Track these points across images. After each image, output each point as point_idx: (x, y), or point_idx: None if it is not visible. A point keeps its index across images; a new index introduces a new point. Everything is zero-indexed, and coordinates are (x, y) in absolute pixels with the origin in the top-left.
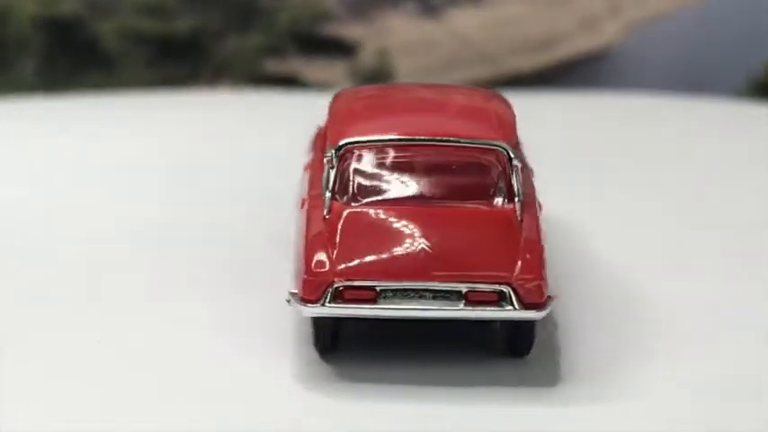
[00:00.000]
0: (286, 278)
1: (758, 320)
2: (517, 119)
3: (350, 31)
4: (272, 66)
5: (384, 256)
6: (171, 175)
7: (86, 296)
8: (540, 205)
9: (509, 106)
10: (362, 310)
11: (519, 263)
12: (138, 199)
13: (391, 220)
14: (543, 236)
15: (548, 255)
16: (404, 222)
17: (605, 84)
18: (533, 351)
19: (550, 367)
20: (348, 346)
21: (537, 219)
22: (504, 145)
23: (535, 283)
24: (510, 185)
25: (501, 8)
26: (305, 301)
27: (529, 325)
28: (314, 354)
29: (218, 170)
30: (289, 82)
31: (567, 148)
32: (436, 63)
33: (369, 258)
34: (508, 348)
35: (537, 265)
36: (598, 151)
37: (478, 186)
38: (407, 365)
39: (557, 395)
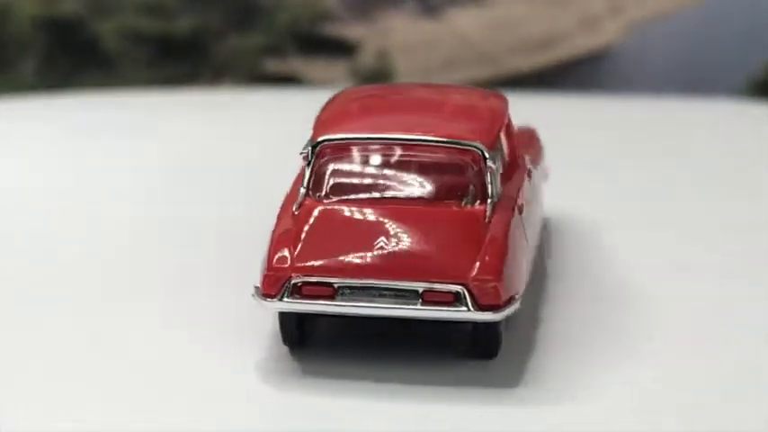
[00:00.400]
0: None
1: (759, 320)
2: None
3: (350, 30)
4: (273, 65)
5: (343, 253)
6: (171, 173)
7: (87, 295)
8: (520, 207)
9: (505, 107)
10: (319, 306)
11: (477, 264)
12: (139, 197)
13: (357, 218)
14: (513, 238)
15: (525, 256)
16: (369, 221)
17: (605, 83)
18: (520, 351)
19: (523, 368)
20: (319, 343)
21: (509, 220)
22: (479, 145)
23: (492, 284)
24: (483, 186)
25: (501, 8)
26: (264, 295)
27: (491, 327)
28: (284, 350)
29: (218, 169)
30: (289, 81)
31: (569, 148)
32: (436, 63)
33: (328, 255)
34: (473, 350)
35: (496, 266)
36: (599, 151)
37: (451, 186)
38: (376, 363)
39: (523, 395)
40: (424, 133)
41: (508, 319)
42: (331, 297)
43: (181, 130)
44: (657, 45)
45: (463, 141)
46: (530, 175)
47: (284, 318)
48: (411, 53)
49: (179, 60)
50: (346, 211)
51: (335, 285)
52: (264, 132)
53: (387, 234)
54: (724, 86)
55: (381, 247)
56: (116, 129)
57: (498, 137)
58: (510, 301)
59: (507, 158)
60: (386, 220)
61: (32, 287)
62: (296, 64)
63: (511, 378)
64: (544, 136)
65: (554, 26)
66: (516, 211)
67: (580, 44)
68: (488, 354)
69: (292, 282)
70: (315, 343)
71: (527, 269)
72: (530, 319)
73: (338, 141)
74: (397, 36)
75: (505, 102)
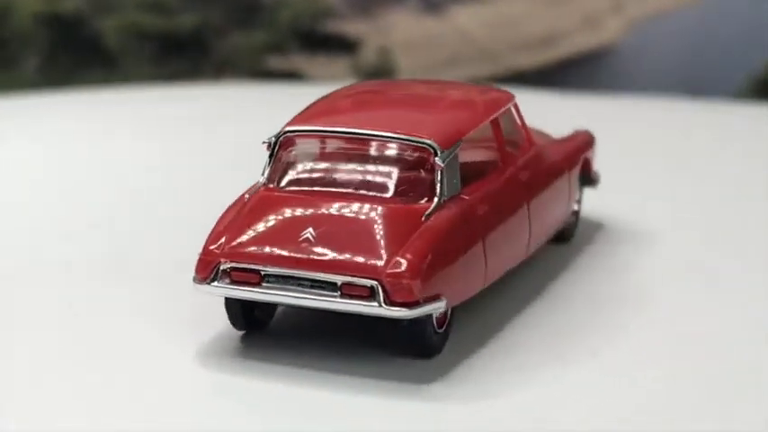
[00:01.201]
0: None
1: (757, 319)
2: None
3: (352, 27)
4: (275, 62)
5: (272, 241)
6: (171, 172)
7: (88, 295)
8: (484, 207)
9: (499, 105)
10: (245, 293)
11: (395, 260)
12: (139, 195)
13: (297, 208)
14: (452, 237)
15: (476, 257)
16: (307, 212)
17: (606, 81)
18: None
19: (466, 367)
20: (280, 329)
21: (455, 219)
22: (430, 143)
23: (405, 281)
24: (432, 184)
25: (503, 5)
26: (197, 278)
27: (418, 325)
28: (235, 335)
29: (218, 166)
30: (291, 78)
31: None
32: (438, 60)
33: (258, 243)
34: (406, 348)
35: (414, 264)
36: (600, 151)
37: (399, 182)
38: (318, 353)
39: (459, 394)
40: (384, 129)
41: (457, 319)
42: (258, 284)
43: (182, 127)
44: (658, 43)
45: (414, 138)
46: (526, 176)
47: (228, 302)
48: (413, 50)
49: (181, 57)
50: (290, 201)
51: (262, 273)
52: (266, 127)
53: (318, 226)
54: (725, 85)
55: (308, 239)
56: (117, 126)
57: (463, 135)
58: (432, 300)
59: (493, 156)
60: (322, 213)
61: (28, 286)
62: (298, 61)
63: (453, 377)
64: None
65: (555, 24)
66: (476, 210)
67: (581, 42)
68: (421, 353)
69: (222, 267)
70: (277, 329)
71: (484, 271)
72: (503, 320)
73: (300, 133)
74: (399, 33)
75: (505, 100)
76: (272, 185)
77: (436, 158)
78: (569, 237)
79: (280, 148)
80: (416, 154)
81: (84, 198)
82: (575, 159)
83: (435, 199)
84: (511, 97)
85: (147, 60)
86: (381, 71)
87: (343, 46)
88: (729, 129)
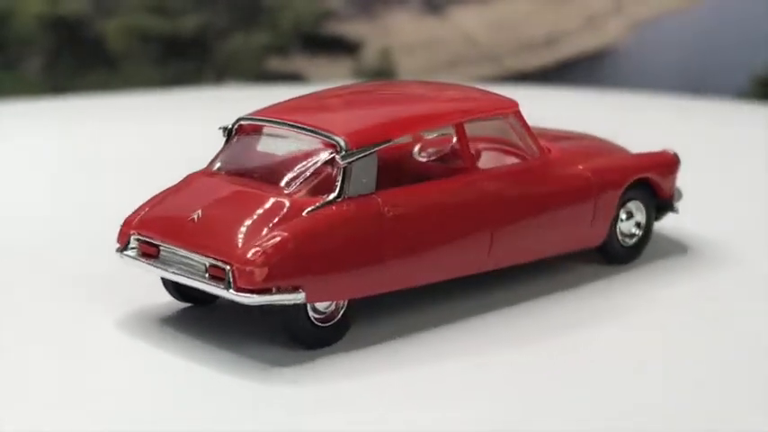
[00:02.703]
0: None
1: (756, 315)
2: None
3: (354, 28)
4: (277, 64)
5: (168, 218)
6: (171, 173)
7: (90, 295)
8: (392, 210)
9: (475, 113)
10: (142, 264)
11: (249, 247)
12: (139, 195)
13: (201, 190)
14: (328, 234)
15: (361, 255)
16: (205, 194)
17: (609, 82)
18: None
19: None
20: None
21: (340, 217)
22: (338, 139)
23: (249, 268)
24: (334, 179)
25: (505, 6)
26: (117, 247)
27: (285, 313)
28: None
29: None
30: (293, 80)
31: None
32: (439, 61)
33: (159, 218)
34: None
35: (266, 253)
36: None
37: (303, 175)
38: (230, 331)
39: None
40: (311, 124)
41: (353, 313)
42: (155, 257)
43: (182, 127)
44: (661, 43)
45: (325, 133)
46: (497, 186)
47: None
48: (414, 52)
49: (184, 59)
50: (202, 183)
51: (160, 247)
52: None
53: (207, 209)
54: (727, 85)
55: (193, 219)
56: (120, 127)
57: (389, 137)
58: (287, 291)
59: (451, 163)
60: (217, 197)
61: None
62: (299, 63)
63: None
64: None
65: (557, 25)
66: (385, 212)
67: (583, 43)
68: (299, 342)
69: (132, 238)
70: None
71: (384, 274)
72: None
73: (249, 122)
74: (401, 34)
75: (489, 108)
76: (206, 168)
77: (337, 156)
78: (619, 257)
79: (233, 135)
80: (328, 150)
81: (83, 198)
82: (612, 179)
83: (331, 195)
84: (503, 107)
85: (149, 62)
86: (383, 73)
87: (344, 47)
88: (731, 128)
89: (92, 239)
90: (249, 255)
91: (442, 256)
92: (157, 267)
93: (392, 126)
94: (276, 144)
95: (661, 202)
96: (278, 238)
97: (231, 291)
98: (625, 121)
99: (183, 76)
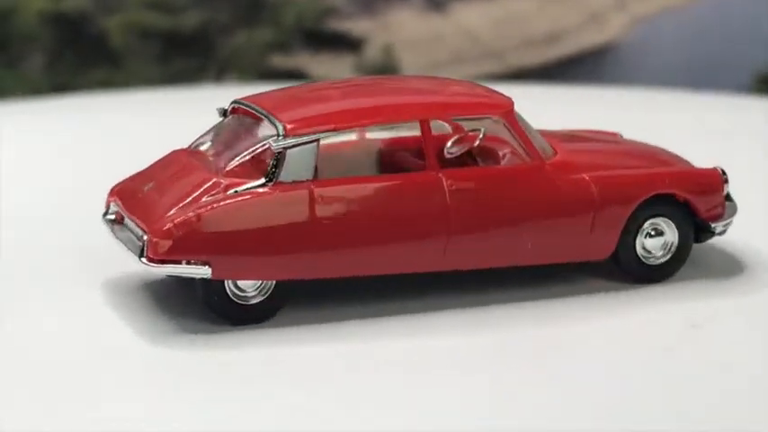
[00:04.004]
0: None
1: (756, 314)
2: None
3: (356, 25)
4: (279, 61)
5: (132, 189)
6: None
7: (91, 294)
8: (328, 197)
9: (453, 111)
10: (110, 230)
11: (165, 221)
12: None
13: (166, 166)
14: (242, 215)
15: (281, 237)
16: (167, 168)
17: (611, 78)
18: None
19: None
20: None
21: (253, 201)
22: (279, 125)
23: (156, 239)
24: (267, 163)
25: (507, 3)
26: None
27: (203, 288)
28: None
29: None
30: (295, 77)
31: None
32: (442, 58)
33: (127, 189)
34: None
35: (174, 227)
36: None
37: (245, 157)
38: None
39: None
40: (271, 110)
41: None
42: (121, 223)
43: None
44: (663, 39)
45: (272, 117)
46: (462, 186)
47: None
48: (417, 48)
49: (186, 56)
50: (171, 160)
51: (121, 215)
52: None
53: (158, 182)
54: (730, 80)
55: (145, 191)
56: (122, 125)
57: (336, 128)
58: (194, 264)
59: (413, 157)
60: (172, 172)
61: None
62: (302, 59)
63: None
64: (547, 127)
65: (559, 21)
66: (317, 200)
67: (586, 39)
68: (218, 315)
69: (111, 204)
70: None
71: (316, 259)
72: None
73: (237, 105)
74: (403, 31)
75: (469, 106)
76: (189, 145)
77: (272, 140)
78: (636, 274)
79: (226, 116)
80: (273, 134)
81: (83, 197)
82: (622, 191)
83: (261, 179)
84: (490, 106)
85: (151, 59)
86: (385, 69)
87: (347, 44)
88: (734, 124)
89: (92, 239)
90: (159, 226)
91: (375, 251)
92: (116, 235)
93: (339, 116)
94: (250, 127)
95: (700, 222)
96: (190, 214)
97: (143, 259)
98: (627, 117)
99: (186, 73)
